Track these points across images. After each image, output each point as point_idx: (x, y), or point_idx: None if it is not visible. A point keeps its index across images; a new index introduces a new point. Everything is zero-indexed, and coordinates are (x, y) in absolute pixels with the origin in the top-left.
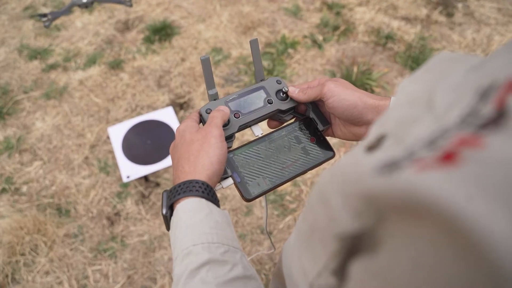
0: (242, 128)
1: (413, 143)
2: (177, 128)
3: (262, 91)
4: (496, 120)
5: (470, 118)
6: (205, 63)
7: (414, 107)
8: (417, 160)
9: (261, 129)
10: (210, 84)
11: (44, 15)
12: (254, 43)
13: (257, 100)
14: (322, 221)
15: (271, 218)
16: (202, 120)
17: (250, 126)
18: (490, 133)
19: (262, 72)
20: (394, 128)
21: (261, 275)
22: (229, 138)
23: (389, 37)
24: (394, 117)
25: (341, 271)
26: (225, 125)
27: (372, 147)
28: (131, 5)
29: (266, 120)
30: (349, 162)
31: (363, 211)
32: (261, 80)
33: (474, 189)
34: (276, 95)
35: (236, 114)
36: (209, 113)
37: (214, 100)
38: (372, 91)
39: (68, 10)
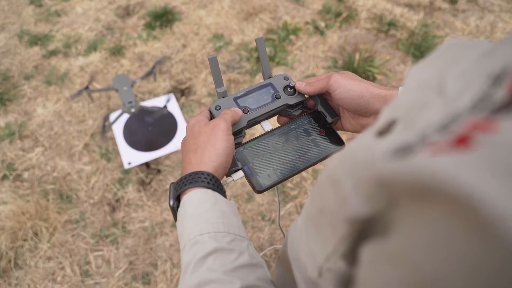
0: (251, 123)
1: (425, 127)
2: (188, 123)
3: (270, 87)
4: (509, 104)
5: (482, 103)
6: (213, 62)
7: (424, 92)
8: (431, 144)
9: (271, 124)
10: (218, 82)
11: (103, 127)
12: (260, 42)
13: (265, 96)
14: (331, 205)
15: (272, 205)
16: (212, 117)
17: (259, 122)
18: (503, 118)
19: (270, 69)
20: (404, 113)
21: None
22: (238, 134)
23: (392, 24)
24: (404, 102)
25: (351, 255)
26: None
27: (382, 132)
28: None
29: (276, 117)
30: (360, 146)
31: (375, 195)
32: (269, 78)
33: (489, 171)
34: (284, 90)
35: (245, 110)
36: (218, 110)
37: (223, 97)
38: (374, 78)
39: (118, 118)
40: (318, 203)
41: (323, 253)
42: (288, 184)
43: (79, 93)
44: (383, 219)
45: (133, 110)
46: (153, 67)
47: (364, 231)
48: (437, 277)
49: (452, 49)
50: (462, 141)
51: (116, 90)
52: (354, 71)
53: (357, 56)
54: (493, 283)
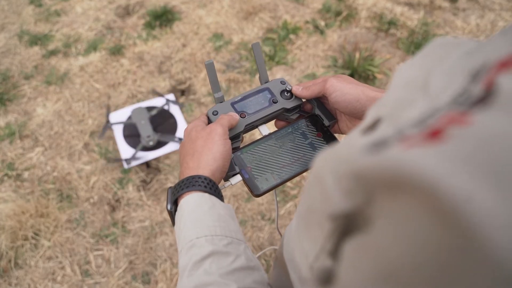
0: (248, 128)
1: (404, 123)
2: (185, 128)
3: (267, 92)
4: (485, 99)
5: (460, 98)
6: (210, 67)
7: (410, 91)
8: (405, 137)
9: (268, 129)
10: (215, 87)
11: (129, 161)
12: (256, 47)
13: (262, 101)
14: (318, 202)
15: (272, 205)
16: (209, 122)
17: (256, 126)
18: (477, 111)
19: (266, 74)
20: (389, 111)
21: (261, 260)
22: (236, 138)
23: (392, 23)
24: (390, 101)
25: (335, 252)
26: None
27: (367, 130)
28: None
29: (274, 121)
30: (344, 144)
31: (354, 190)
32: (266, 82)
33: (458, 163)
34: (281, 94)
35: (242, 114)
36: (216, 115)
37: (220, 102)
38: (374, 78)
39: (139, 150)
40: (307, 202)
41: (313, 252)
42: (288, 183)
43: (105, 130)
44: (363, 214)
45: (151, 143)
46: (167, 103)
47: (346, 227)
48: (411, 269)
49: (439, 48)
50: (434, 134)
51: (134, 123)
52: (354, 70)
53: (357, 55)
54: (465, 273)
